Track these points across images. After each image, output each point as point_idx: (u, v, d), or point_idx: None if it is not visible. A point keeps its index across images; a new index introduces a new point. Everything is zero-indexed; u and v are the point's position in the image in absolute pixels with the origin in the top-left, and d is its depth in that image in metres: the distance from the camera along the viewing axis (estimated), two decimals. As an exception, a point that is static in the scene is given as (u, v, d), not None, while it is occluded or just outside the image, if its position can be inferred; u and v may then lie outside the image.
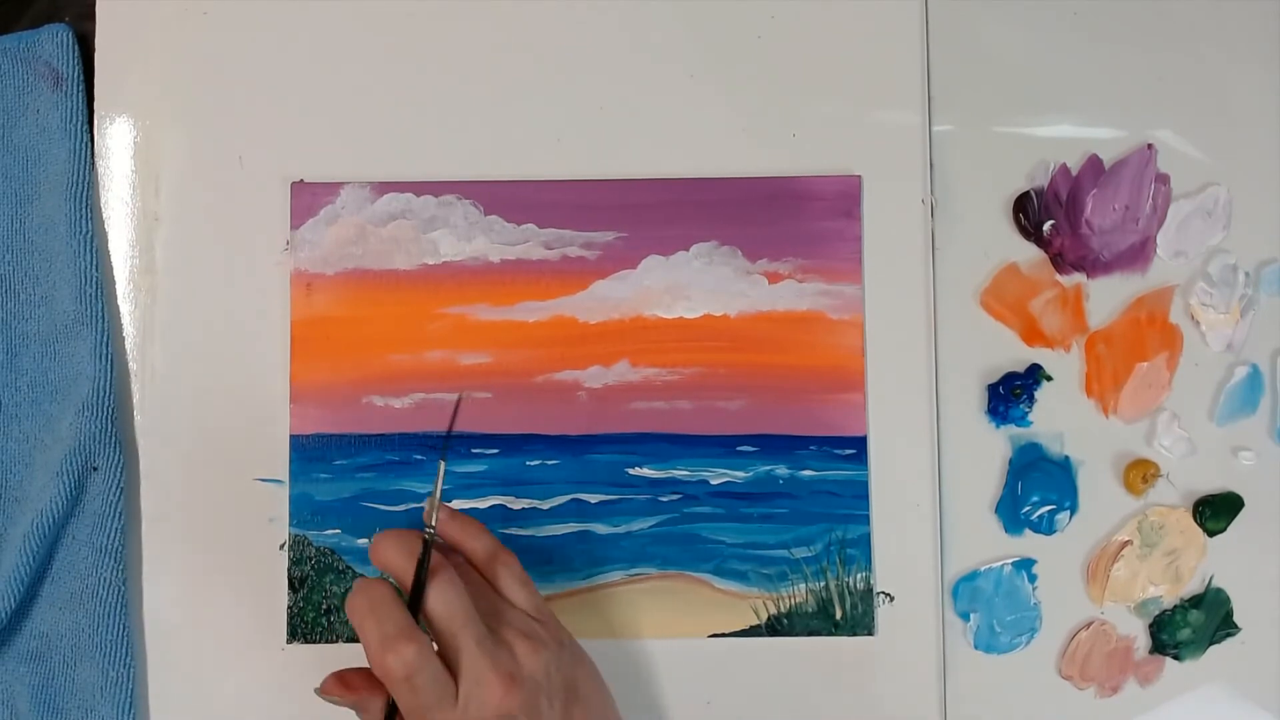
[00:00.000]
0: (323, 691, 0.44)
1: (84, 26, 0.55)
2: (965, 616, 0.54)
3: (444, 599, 0.42)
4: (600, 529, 0.54)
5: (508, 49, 0.56)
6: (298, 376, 0.54)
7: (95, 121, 0.55)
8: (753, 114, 0.55)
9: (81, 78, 0.55)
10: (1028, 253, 0.56)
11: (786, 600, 0.54)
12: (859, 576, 0.54)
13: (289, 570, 0.53)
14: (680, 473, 0.54)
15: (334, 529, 0.54)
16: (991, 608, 0.54)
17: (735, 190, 0.55)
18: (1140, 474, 0.55)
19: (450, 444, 0.41)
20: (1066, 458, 0.55)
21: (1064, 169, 0.56)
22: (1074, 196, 0.56)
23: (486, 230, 0.55)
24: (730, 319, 0.55)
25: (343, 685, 0.44)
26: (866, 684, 0.54)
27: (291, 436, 0.54)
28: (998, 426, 0.55)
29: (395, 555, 0.43)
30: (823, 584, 0.54)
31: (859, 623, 0.54)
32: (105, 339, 0.53)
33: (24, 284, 0.55)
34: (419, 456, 0.54)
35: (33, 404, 0.54)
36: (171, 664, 0.53)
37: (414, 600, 0.42)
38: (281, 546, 0.54)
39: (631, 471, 0.54)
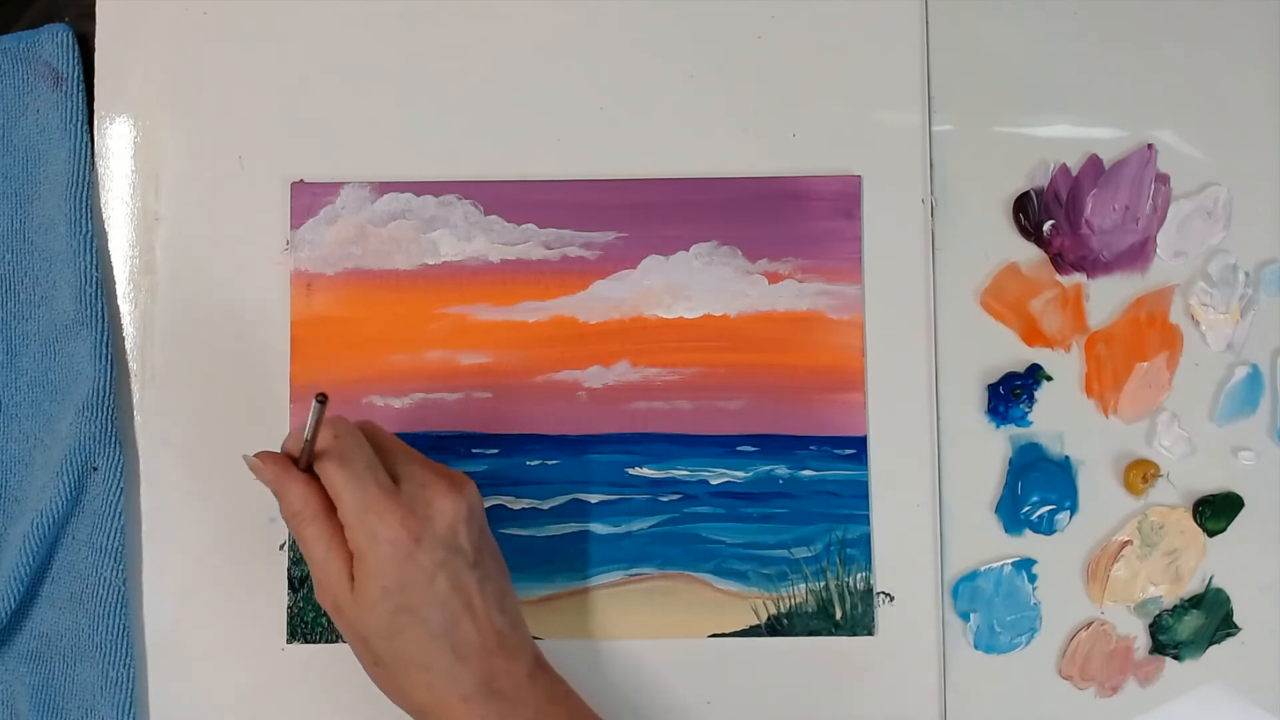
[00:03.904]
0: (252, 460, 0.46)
1: (84, 26, 0.55)
2: (965, 616, 0.54)
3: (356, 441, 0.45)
4: (600, 529, 0.54)
5: (508, 49, 0.55)
6: (298, 376, 0.54)
7: (95, 121, 0.55)
8: (753, 114, 0.55)
9: (81, 78, 0.55)
10: (1028, 253, 0.56)
11: (786, 600, 0.54)
12: (859, 576, 0.54)
13: (289, 570, 0.53)
14: (680, 473, 0.54)
15: (334, 529, 0.54)
16: (991, 608, 0.54)
17: (735, 190, 0.55)
18: (1140, 474, 0.55)
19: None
20: (1066, 458, 0.55)
21: (1064, 169, 0.56)
22: (1074, 196, 0.56)
23: (486, 230, 0.55)
24: (730, 319, 0.55)
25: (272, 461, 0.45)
26: (866, 684, 0.54)
27: (291, 436, 0.54)
28: (998, 426, 0.55)
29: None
30: (823, 584, 0.54)
31: (859, 623, 0.54)
32: (105, 339, 0.53)
33: (24, 284, 0.55)
34: (419, 456, 0.54)
35: (33, 404, 0.54)
36: (171, 664, 0.53)
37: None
38: (281, 546, 0.54)
39: (631, 471, 0.54)
